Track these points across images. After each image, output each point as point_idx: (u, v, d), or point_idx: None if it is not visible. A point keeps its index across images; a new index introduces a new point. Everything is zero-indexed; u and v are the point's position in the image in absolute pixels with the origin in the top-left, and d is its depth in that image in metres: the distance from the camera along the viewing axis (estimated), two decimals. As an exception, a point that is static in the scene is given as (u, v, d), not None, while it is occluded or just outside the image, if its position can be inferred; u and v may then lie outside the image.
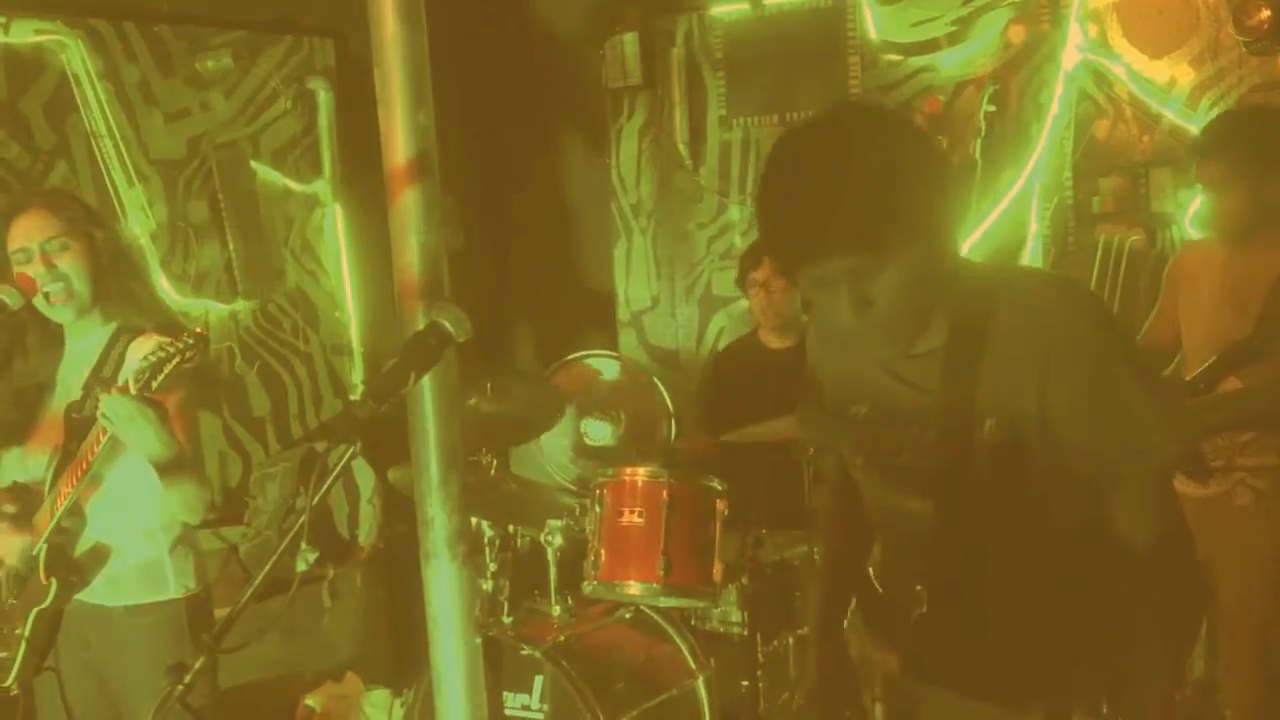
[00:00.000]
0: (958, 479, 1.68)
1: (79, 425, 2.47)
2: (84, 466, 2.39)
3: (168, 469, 2.37)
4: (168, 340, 2.24)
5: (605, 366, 4.74)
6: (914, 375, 1.70)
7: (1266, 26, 3.68)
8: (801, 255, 1.59)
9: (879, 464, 1.79)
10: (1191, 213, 3.98)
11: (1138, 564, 1.66)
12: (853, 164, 1.54)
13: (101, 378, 2.52)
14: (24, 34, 4.05)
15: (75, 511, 2.48)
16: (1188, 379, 2.91)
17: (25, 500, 2.55)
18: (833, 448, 1.98)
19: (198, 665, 1.74)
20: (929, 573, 1.74)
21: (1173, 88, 4.01)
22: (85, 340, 2.58)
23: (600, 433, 4.51)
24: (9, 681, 2.55)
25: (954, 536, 1.70)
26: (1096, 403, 1.61)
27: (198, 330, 2.25)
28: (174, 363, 2.21)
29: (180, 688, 1.71)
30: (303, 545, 1.69)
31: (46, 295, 2.48)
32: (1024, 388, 1.62)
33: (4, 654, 2.56)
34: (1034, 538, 1.68)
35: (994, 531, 1.68)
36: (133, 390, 2.22)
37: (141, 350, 2.47)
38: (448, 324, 1.96)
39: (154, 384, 2.21)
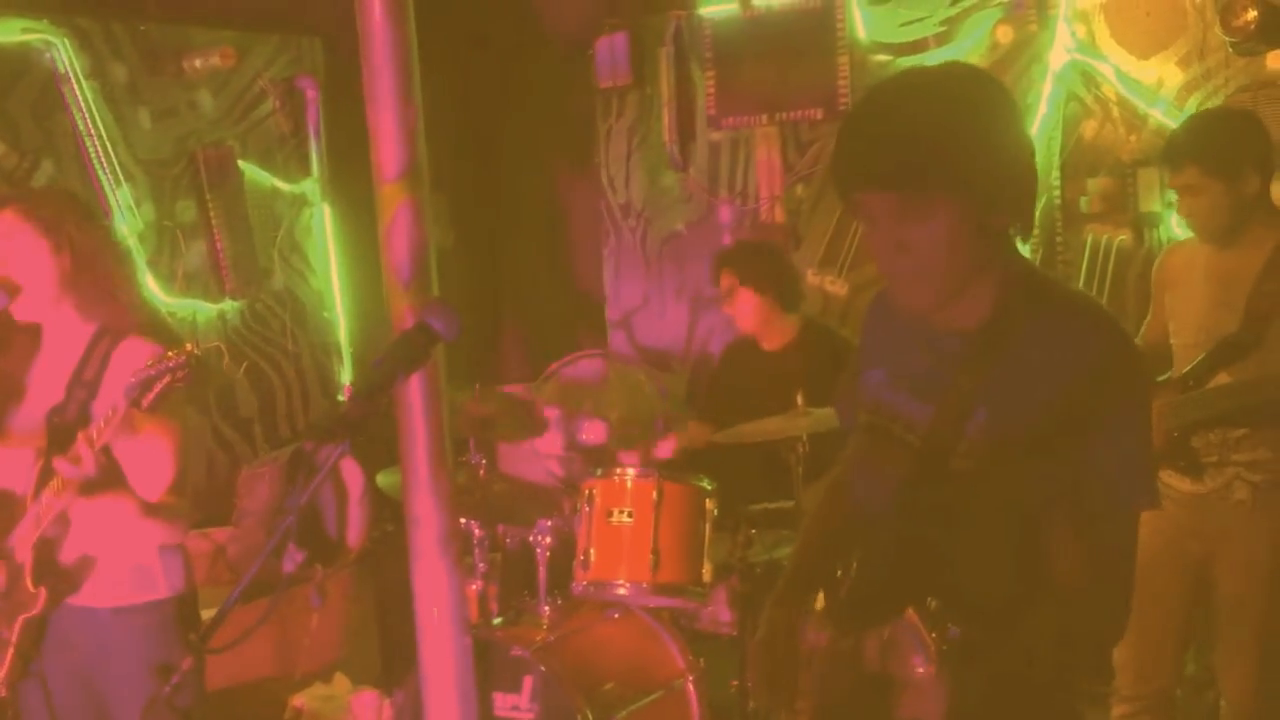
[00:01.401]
0: (936, 460, 1.69)
1: (60, 429, 2.45)
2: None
3: (132, 521, 2.36)
4: (159, 357, 2.20)
5: (595, 366, 4.75)
6: (939, 347, 1.71)
7: (1253, 27, 3.69)
8: (848, 181, 1.62)
9: (877, 425, 1.80)
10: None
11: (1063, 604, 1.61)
12: (918, 106, 1.57)
13: (84, 381, 2.50)
14: (10, 33, 4.03)
15: (61, 517, 2.46)
16: (1178, 376, 2.91)
17: (5, 506, 2.53)
18: (852, 416, 1.96)
19: (185, 666, 1.74)
20: (867, 553, 1.76)
21: (1160, 88, 4.03)
22: (63, 340, 2.56)
23: (592, 432, 4.52)
24: (-3, 685, 2.53)
25: (915, 523, 1.70)
26: (1108, 439, 1.60)
27: (189, 348, 2.21)
28: (165, 381, 2.18)
29: (168, 689, 1.71)
30: (289, 546, 1.69)
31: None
32: (1032, 398, 1.61)
33: (-9, 658, 2.54)
34: (987, 541, 1.65)
35: (953, 524, 1.66)
36: (123, 407, 2.19)
37: (128, 356, 2.45)
38: (437, 323, 1.95)
39: (144, 402, 2.19)
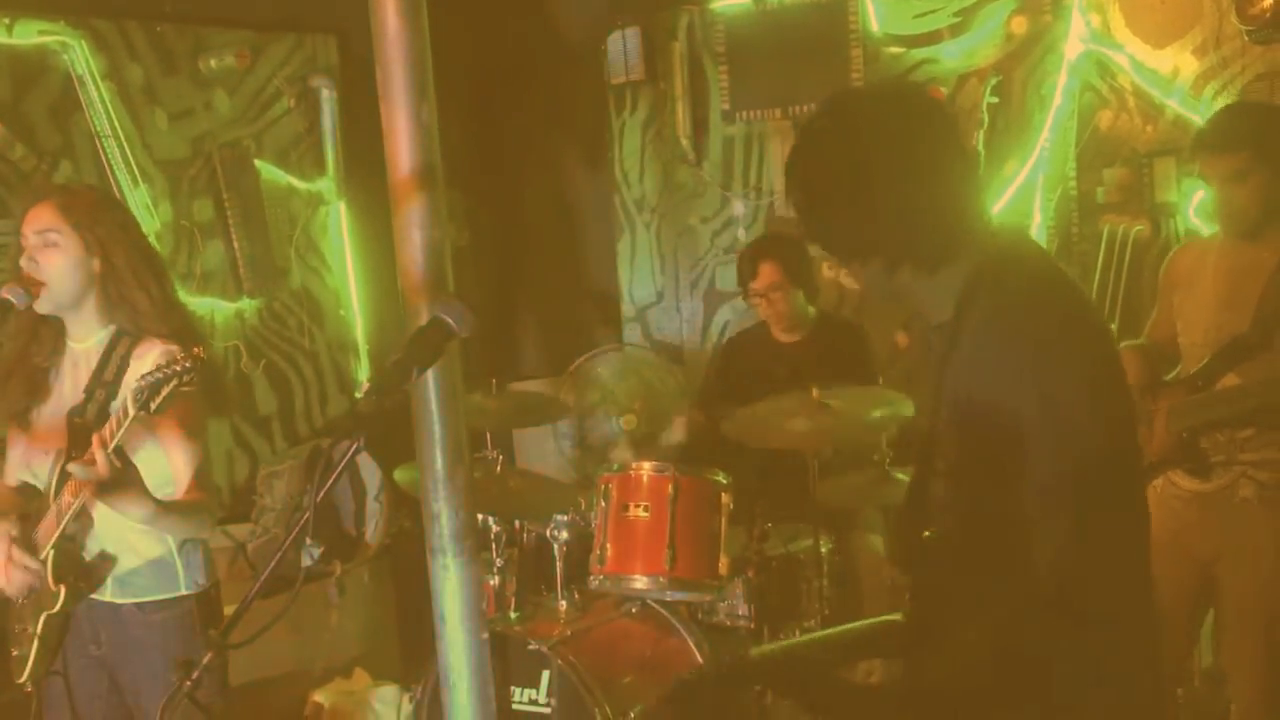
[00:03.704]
0: (925, 461, 1.70)
1: (81, 430, 2.47)
2: None
3: (151, 521, 2.38)
4: (166, 361, 2.21)
5: (614, 361, 4.75)
6: (936, 344, 1.72)
7: (1269, 15, 3.68)
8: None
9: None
10: (1196, 203, 3.97)
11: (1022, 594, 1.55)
12: (819, 177, 1.68)
13: (103, 381, 2.52)
14: (27, 34, 4.06)
15: (81, 514, 2.48)
16: (1186, 376, 2.90)
17: (33, 501, 2.56)
18: None
19: (205, 661, 1.75)
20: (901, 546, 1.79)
21: (1176, 77, 4.01)
22: (84, 341, 2.59)
23: (615, 428, 4.52)
24: (24, 678, 2.56)
25: (917, 515, 1.71)
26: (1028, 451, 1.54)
27: (196, 351, 2.22)
28: (172, 385, 2.19)
29: (189, 683, 1.72)
30: (308, 540, 1.70)
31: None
32: (971, 396, 1.59)
33: (17, 651, 2.57)
34: (952, 550, 1.65)
35: (942, 522, 1.66)
36: (131, 411, 2.21)
37: (144, 359, 2.47)
38: (451, 319, 1.96)
39: (152, 405, 2.20)
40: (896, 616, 1.83)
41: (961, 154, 1.66)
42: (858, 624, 1.92)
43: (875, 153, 1.62)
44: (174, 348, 2.44)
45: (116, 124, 4.27)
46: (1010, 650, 1.54)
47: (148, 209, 4.34)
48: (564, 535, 3.26)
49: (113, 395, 2.50)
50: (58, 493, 2.45)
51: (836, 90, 1.89)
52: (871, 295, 1.79)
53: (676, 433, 3.97)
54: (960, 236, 1.64)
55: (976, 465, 1.58)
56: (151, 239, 2.72)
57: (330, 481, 1.78)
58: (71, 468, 2.27)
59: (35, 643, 2.52)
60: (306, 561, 1.68)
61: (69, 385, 2.59)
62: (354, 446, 1.76)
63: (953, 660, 1.59)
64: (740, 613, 3.37)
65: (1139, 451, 1.78)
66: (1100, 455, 1.53)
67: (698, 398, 4.30)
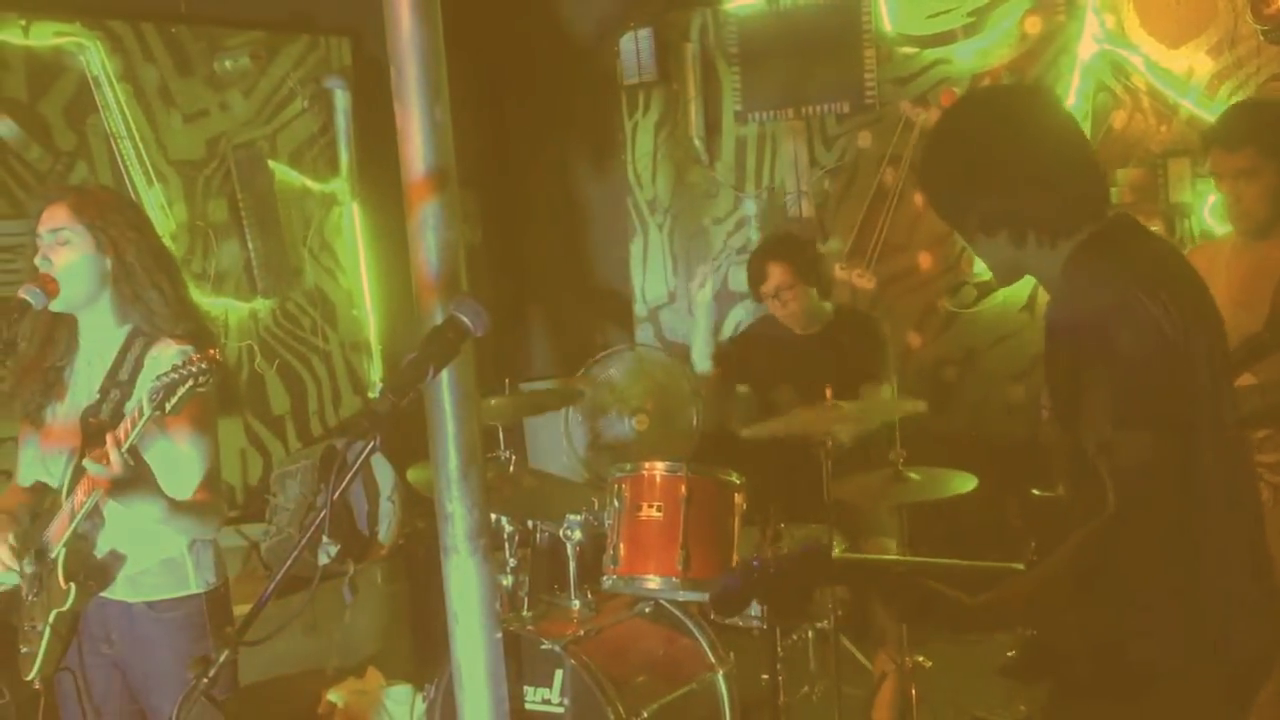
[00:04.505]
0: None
1: (95, 429, 2.48)
2: None
3: (163, 520, 2.39)
4: (182, 361, 2.21)
5: (627, 362, 4.75)
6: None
7: (1285, 15, 3.66)
8: None
9: None
10: (1210, 203, 3.96)
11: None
12: (955, 157, 1.90)
13: (118, 381, 2.53)
14: (44, 36, 4.08)
15: (94, 513, 2.49)
16: None
17: (46, 500, 2.57)
18: None
19: (222, 658, 1.76)
20: None
21: (1190, 77, 3.99)
22: (99, 339, 2.60)
23: (628, 428, 4.52)
24: (32, 676, 2.57)
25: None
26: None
27: (211, 352, 2.23)
28: (188, 385, 2.20)
29: (205, 680, 1.73)
30: (324, 538, 1.70)
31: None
32: (1061, 324, 1.85)
33: (26, 649, 2.58)
34: None
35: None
36: (146, 411, 2.21)
37: (159, 359, 2.48)
38: (466, 318, 1.97)
39: (167, 405, 2.21)
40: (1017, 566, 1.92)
41: (1080, 144, 1.90)
42: (969, 562, 1.98)
43: (1004, 133, 1.86)
44: (189, 348, 2.45)
45: (132, 125, 4.29)
46: (1089, 561, 1.71)
47: (163, 209, 4.36)
48: (577, 535, 3.26)
49: (127, 395, 2.51)
50: (70, 491, 2.46)
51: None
52: (997, 270, 1.95)
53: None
54: (1079, 214, 1.85)
55: (1068, 401, 1.78)
56: (166, 239, 2.73)
57: (349, 479, 1.78)
58: (86, 462, 2.28)
59: (44, 640, 2.53)
60: (323, 560, 1.69)
61: (83, 385, 2.60)
62: (370, 445, 1.76)
63: (1038, 572, 1.77)
64: (752, 613, 3.36)
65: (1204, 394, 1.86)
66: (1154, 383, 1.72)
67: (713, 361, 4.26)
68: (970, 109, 2.01)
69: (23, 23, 4.01)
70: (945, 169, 1.91)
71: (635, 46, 5.09)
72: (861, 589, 1.89)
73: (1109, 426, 1.69)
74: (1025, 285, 4.21)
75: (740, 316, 5.12)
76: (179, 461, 2.49)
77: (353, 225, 5.03)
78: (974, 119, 1.92)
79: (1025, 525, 1.93)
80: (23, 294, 2.48)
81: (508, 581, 3.35)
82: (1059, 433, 1.85)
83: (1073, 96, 4.18)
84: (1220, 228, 3.80)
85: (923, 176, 1.99)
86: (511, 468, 3.49)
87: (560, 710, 3.05)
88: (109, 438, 2.26)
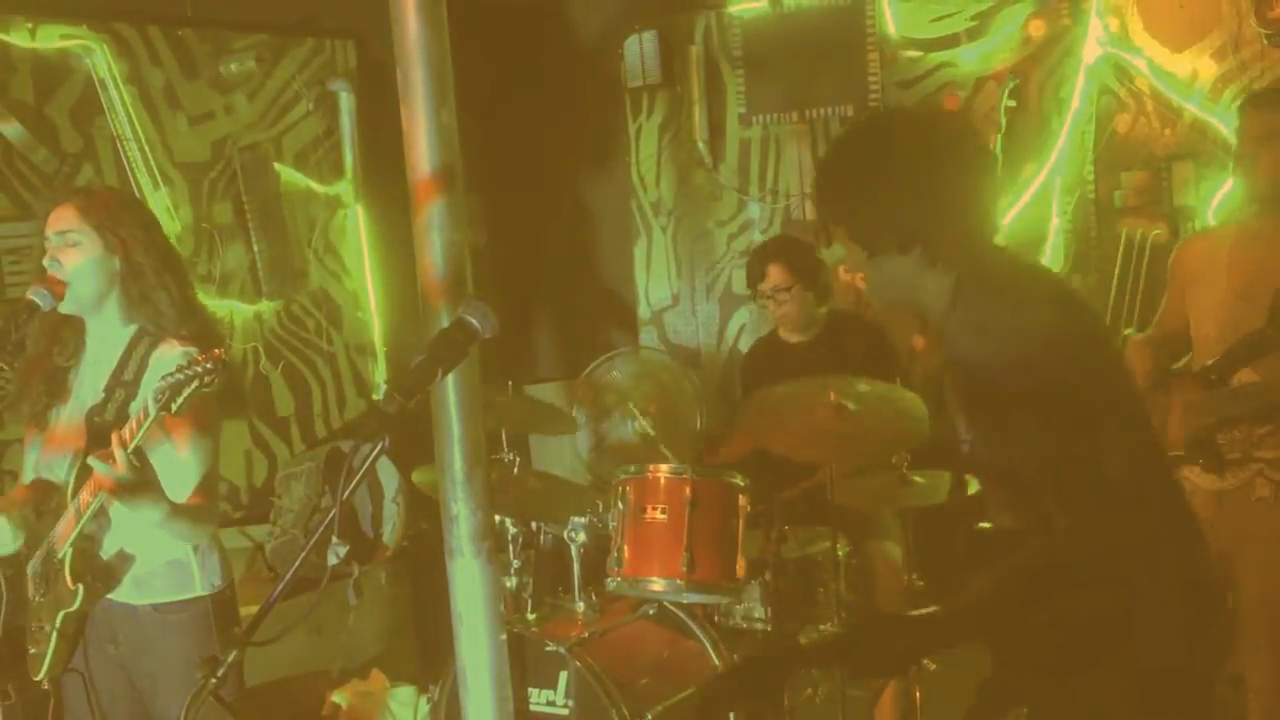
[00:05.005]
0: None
1: (100, 429, 2.48)
2: None
3: (163, 523, 2.39)
4: (187, 362, 2.21)
5: (631, 364, 4.75)
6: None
7: (1289, 19, 3.67)
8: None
9: None
10: (1215, 206, 3.96)
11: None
12: (852, 162, 1.88)
13: (123, 381, 2.53)
14: (50, 39, 4.09)
15: (101, 514, 2.49)
16: (1199, 369, 2.89)
17: (50, 496, 2.58)
18: None
19: (230, 658, 1.77)
20: None
21: (1194, 81, 4.00)
22: (104, 340, 2.60)
23: (631, 430, 4.51)
24: (40, 676, 2.58)
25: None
26: None
27: (216, 353, 2.23)
28: (193, 386, 2.20)
29: (214, 681, 1.73)
30: (333, 539, 1.71)
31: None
32: (969, 347, 1.86)
33: (34, 650, 2.59)
34: None
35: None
36: (152, 411, 2.22)
37: (164, 359, 2.48)
38: (474, 320, 1.97)
39: (173, 406, 2.21)
40: None
41: (977, 167, 1.87)
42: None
43: (901, 143, 1.85)
44: (193, 349, 2.45)
45: (138, 127, 4.30)
46: (1036, 581, 1.70)
47: (168, 212, 4.37)
48: (581, 537, 3.26)
49: (132, 395, 2.51)
50: (76, 492, 2.47)
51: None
52: (886, 293, 1.91)
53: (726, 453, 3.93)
54: (967, 235, 1.83)
55: (994, 427, 1.78)
56: (172, 241, 2.74)
57: (358, 479, 1.78)
58: (91, 460, 2.28)
59: (52, 641, 2.54)
60: (332, 561, 1.69)
61: (88, 385, 2.61)
62: (379, 447, 1.76)
63: (987, 583, 1.73)
64: (757, 615, 3.37)
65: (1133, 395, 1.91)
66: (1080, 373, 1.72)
67: (736, 426, 4.25)
68: (893, 124, 2.00)
69: (29, 25, 4.02)
70: (867, 178, 1.85)
71: (639, 49, 5.10)
72: (827, 664, 1.91)
73: (1052, 446, 1.66)
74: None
75: (743, 320, 5.12)
76: (177, 463, 2.50)
77: (357, 227, 5.04)
78: (902, 133, 1.89)
79: (969, 562, 1.93)
80: (31, 296, 2.49)
81: (512, 583, 3.35)
82: (985, 461, 1.83)
83: (1077, 100, 4.19)
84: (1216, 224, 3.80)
85: (843, 186, 1.90)
86: (516, 470, 3.50)
87: (564, 712, 3.05)
88: (114, 437, 2.26)
